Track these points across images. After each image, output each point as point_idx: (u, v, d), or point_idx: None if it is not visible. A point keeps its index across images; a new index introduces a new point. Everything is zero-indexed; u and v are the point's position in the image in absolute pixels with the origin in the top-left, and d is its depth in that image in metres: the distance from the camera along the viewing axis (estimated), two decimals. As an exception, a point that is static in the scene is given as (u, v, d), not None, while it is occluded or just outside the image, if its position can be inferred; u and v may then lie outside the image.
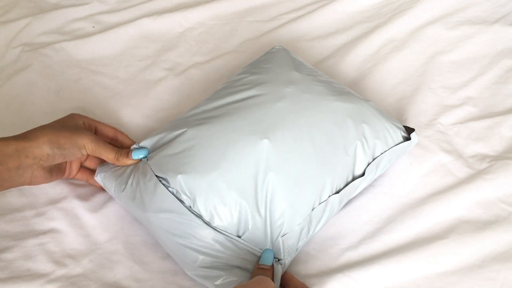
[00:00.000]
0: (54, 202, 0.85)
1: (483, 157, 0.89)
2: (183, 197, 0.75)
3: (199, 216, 0.74)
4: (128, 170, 0.80)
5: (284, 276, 0.75)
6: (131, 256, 0.80)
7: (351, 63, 1.03)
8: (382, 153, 0.82)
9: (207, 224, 0.74)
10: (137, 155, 0.80)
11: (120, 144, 0.85)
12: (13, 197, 0.86)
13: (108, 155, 0.80)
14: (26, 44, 1.07)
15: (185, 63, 1.05)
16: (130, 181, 0.79)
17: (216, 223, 0.74)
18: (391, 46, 1.06)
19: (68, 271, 0.78)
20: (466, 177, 0.87)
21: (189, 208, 0.74)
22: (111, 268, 0.78)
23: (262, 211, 0.75)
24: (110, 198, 0.85)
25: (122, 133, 0.86)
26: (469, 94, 0.98)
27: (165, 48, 1.08)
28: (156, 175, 0.77)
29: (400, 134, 0.85)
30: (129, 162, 0.80)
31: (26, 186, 0.86)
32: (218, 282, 0.73)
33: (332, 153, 0.79)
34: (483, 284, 0.76)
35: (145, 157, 0.80)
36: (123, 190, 0.79)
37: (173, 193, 0.75)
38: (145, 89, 1.01)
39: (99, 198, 0.85)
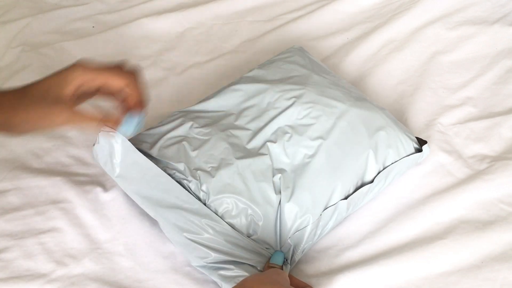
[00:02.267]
0: (54, 201, 0.85)
1: (482, 158, 0.89)
2: (200, 193, 0.76)
3: (214, 212, 0.75)
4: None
5: None
6: (132, 256, 0.79)
7: (351, 64, 1.03)
8: (393, 163, 0.82)
9: (220, 219, 0.75)
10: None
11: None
12: (13, 196, 0.86)
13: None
14: (26, 44, 1.07)
15: (185, 63, 1.05)
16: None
17: (227, 220, 0.75)
18: (391, 46, 1.06)
19: (69, 271, 0.78)
20: (465, 178, 0.87)
21: (205, 203, 0.76)
22: (112, 268, 0.78)
23: (272, 211, 0.76)
24: (111, 198, 0.85)
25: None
26: (469, 94, 0.98)
27: (165, 48, 1.08)
28: (173, 169, 0.78)
29: (412, 145, 0.85)
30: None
31: (25, 185, 0.86)
32: (228, 274, 0.74)
33: (343, 158, 0.79)
34: (482, 284, 0.76)
35: None
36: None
37: (189, 188, 0.77)
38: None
39: (100, 197, 0.85)
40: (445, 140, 0.92)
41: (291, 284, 0.72)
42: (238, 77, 1.01)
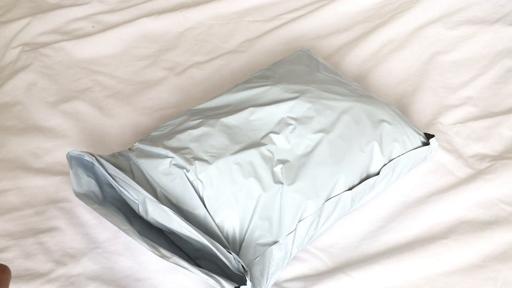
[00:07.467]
0: (53, 201, 0.85)
1: (483, 157, 0.89)
2: (198, 183, 0.76)
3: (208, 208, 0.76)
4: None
5: None
6: (131, 255, 0.79)
7: (351, 63, 1.03)
8: (399, 156, 0.83)
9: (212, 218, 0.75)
10: None
11: None
12: (13, 196, 0.85)
13: None
14: (26, 44, 1.07)
15: (185, 63, 1.06)
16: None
17: (223, 212, 0.75)
18: (391, 46, 1.06)
19: (68, 270, 0.78)
20: (466, 177, 0.87)
21: (202, 198, 0.76)
22: (111, 267, 0.78)
23: (272, 202, 0.76)
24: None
25: None
26: (469, 94, 0.98)
27: (165, 48, 1.08)
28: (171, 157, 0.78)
29: (419, 139, 0.85)
30: None
31: (24, 185, 0.86)
32: None
33: (346, 150, 0.80)
34: (483, 284, 0.76)
35: None
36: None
37: (187, 178, 0.76)
38: (145, 89, 1.01)
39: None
40: (446, 139, 0.92)
41: None
42: (238, 76, 1.01)
